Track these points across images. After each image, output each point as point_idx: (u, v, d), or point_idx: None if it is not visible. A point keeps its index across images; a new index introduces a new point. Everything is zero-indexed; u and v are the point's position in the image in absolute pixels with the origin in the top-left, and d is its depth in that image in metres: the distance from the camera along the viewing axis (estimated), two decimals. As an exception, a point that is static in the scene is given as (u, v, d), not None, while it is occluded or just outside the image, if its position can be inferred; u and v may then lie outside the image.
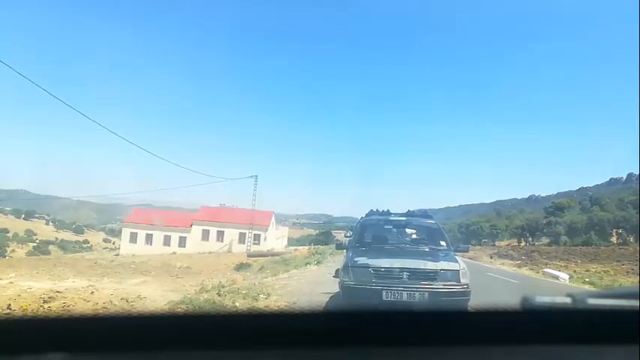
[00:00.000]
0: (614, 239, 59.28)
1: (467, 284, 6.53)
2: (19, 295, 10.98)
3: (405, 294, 6.20)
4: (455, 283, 6.46)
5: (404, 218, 8.38)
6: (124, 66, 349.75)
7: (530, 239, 70.35)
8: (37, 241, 79.02)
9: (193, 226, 54.39)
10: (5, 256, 53.90)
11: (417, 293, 6.21)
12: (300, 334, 1.04)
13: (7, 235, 77.52)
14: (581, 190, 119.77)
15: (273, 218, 58.76)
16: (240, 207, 56.64)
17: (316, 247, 45.37)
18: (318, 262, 22.43)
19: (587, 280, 21.06)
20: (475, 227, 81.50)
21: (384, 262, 6.60)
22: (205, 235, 54.06)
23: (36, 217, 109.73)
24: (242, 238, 52.44)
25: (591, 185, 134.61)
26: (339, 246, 9.12)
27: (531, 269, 27.02)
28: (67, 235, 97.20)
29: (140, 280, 17.00)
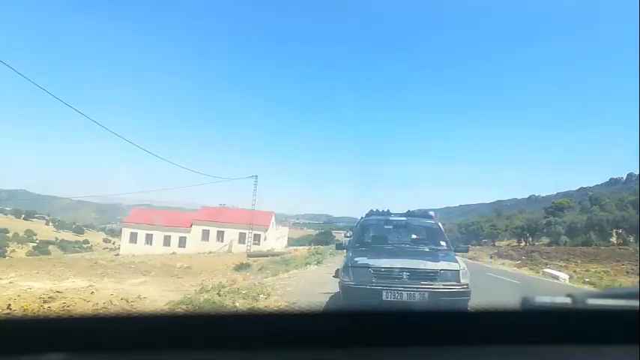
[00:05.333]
0: (614, 239, 59.25)
1: (467, 284, 6.53)
2: (19, 295, 10.97)
3: (405, 294, 6.20)
4: (455, 283, 6.46)
5: (404, 218, 8.38)
6: (125, 66, 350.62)
7: (530, 239, 70.33)
8: (37, 241, 79.05)
9: (193, 226, 54.37)
10: (5, 256, 53.91)
11: (417, 293, 6.22)
12: (300, 334, 1.04)
13: (7, 235, 77.58)
14: (581, 190, 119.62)
15: (273, 218, 58.72)
16: (240, 207, 56.75)
17: (316, 247, 45.42)
18: (318, 262, 22.43)
19: (587, 280, 21.05)
20: (475, 227, 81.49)
21: (384, 262, 6.60)
22: (205, 235, 54.05)
23: (36, 217, 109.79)
24: (242, 238, 52.42)
25: (591, 185, 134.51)
26: (339, 246, 9.12)
27: (531, 269, 26.98)
28: (67, 235, 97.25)
29: (140, 280, 16.98)
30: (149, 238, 53.75)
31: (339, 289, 7.13)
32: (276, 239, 58.83)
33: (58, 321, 1.05)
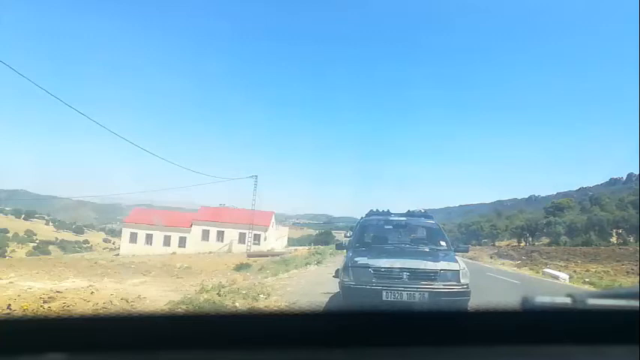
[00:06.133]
0: (614, 239, 59.28)
1: (467, 284, 6.53)
2: (19, 295, 10.98)
3: (405, 294, 6.20)
4: (455, 283, 6.46)
5: (404, 218, 8.38)
6: (125, 66, 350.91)
7: (530, 239, 70.34)
8: (37, 241, 79.11)
9: (193, 226, 54.38)
10: (5, 256, 53.92)
11: (417, 293, 6.22)
12: (300, 334, 1.03)
13: (7, 235, 77.66)
14: (581, 190, 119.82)
15: (273, 218, 58.72)
16: (240, 207, 56.70)
17: (316, 247, 45.46)
18: (318, 262, 22.45)
19: (587, 280, 21.04)
20: (475, 227, 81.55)
21: (384, 262, 6.60)
22: (205, 235, 54.05)
23: (36, 217, 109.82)
24: (242, 238, 52.42)
25: (591, 185, 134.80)
26: (339, 246, 9.11)
27: (531, 269, 26.99)
28: (67, 235, 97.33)
29: (140, 280, 16.97)
30: (149, 238, 53.74)
31: (339, 289, 7.13)
32: (276, 239, 58.82)
33: (58, 321, 1.05)
